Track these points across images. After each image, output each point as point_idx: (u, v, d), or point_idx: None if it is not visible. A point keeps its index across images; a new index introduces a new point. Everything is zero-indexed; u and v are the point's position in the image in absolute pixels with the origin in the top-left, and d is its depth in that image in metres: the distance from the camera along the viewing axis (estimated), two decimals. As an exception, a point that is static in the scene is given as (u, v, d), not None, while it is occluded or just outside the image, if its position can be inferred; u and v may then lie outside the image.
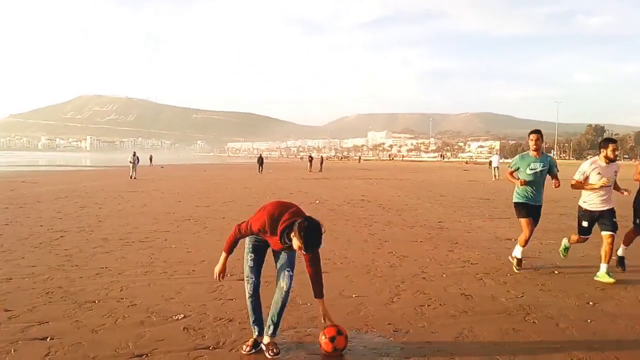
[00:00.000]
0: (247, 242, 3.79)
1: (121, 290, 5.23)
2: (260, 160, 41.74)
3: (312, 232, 3.29)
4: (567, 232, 9.34)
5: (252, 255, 3.75)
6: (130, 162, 30.47)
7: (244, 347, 3.66)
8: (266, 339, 3.66)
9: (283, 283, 3.63)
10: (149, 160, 55.73)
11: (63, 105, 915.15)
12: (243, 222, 3.65)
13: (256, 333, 3.72)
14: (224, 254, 3.75)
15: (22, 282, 5.52)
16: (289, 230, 3.37)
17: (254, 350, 3.63)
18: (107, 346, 3.73)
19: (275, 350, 3.56)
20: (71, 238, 8.38)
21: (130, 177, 28.78)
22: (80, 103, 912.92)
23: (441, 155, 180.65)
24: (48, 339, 3.86)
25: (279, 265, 3.70)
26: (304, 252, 3.38)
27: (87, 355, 3.56)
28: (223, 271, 3.78)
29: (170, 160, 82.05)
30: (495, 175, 31.16)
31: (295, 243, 3.33)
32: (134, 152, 32.07)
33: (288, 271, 3.63)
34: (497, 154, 47.82)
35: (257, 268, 3.78)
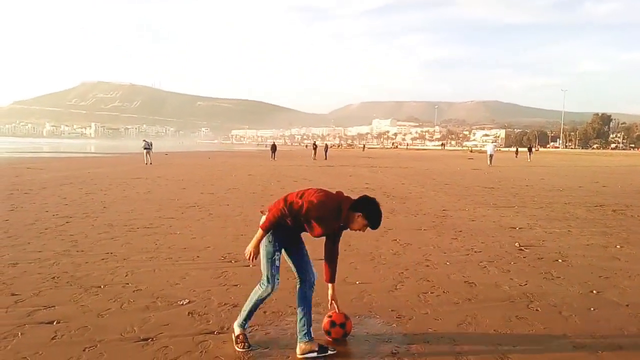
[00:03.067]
0: (273, 238, 3.41)
1: (126, 276, 5.27)
2: (274, 148, 43.76)
3: (379, 208, 3.33)
4: (571, 221, 9.37)
5: (279, 253, 3.47)
6: (145, 147, 30.92)
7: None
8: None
9: (313, 278, 3.54)
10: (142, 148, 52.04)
11: (67, 92, 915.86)
12: (293, 201, 3.24)
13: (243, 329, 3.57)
14: (260, 232, 3.32)
15: (28, 267, 5.57)
16: (355, 209, 3.28)
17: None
18: (113, 330, 3.77)
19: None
20: (76, 224, 8.42)
21: (146, 164, 29.12)
22: (84, 90, 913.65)
23: (442, 144, 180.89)
24: (54, 323, 3.90)
25: (303, 260, 3.56)
26: (370, 229, 3.35)
27: (93, 339, 3.60)
28: (257, 253, 3.38)
29: (174, 148, 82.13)
30: (490, 162, 33.36)
31: (359, 223, 3.29)
32: (144, 140, 32.69)
33: (312, 265, 3.57)
34: (492, 142, 49.79)
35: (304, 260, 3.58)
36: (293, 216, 3.27)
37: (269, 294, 3.47)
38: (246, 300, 3.61)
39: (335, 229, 3.43)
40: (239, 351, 3.45)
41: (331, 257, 3.60)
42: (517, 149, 57.55)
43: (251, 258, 3.36)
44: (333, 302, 3.68)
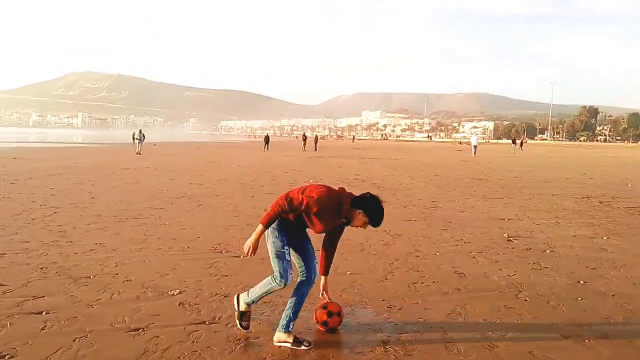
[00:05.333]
0: (279, 233, 3.41)
1: (116, 266, 5.24)
2: (267, 139, 45.14)
3: (381, 206, 3.36)
4: (559, 212, 9.48)
5: (287, 248, 3.43)
6: (137, 138, 31.52)
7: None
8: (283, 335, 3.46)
9: (314, 276, 3.53)
10: (132, 138, 49.73)
11: (54, 82, 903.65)
12: (293, 197, 3.26)
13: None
14: (260, 227, 3.27)
15: (16, 257, 5.51)
16: (357, 206, 3.30)
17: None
18: (103, 320, 3.75)
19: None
20: (65, 214, 8.35)
21: (137, 153, 29.62)
22: (72, 80, 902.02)
23: (428, 136, 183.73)
24: (44, 313, 3.87)
25: (307, 256, 3.54)
26: (371, 226, 3.36)
27: (83, 330, 3.58)
28: (256, 248, 3.32)
29: (163, 138, 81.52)
30: (474, 153, 35.90)
31: (359, 220, 3.31)
32: (140, 130, 32.95)
33: (315, 262, 3.57)
34: (475, 134, 53.09)
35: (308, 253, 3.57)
36: (293, 212, 3.28)
37: (280, 289, 3.44)
38: (254, 287, 3.59)
39: (332, 226, 3.43)
40: (239, 329, 3.55)
41: (329, 251, 3.63)
42: (514, 139, 58.75)
43: (249, 253, 3.31)
44: (324, 292, 3.70)
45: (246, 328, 3.57)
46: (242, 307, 3.60)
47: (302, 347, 3.36)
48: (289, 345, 3.38)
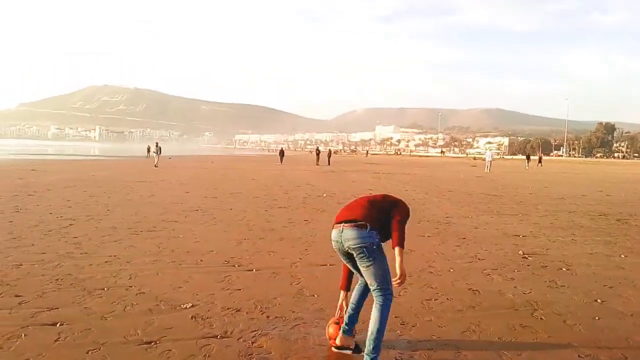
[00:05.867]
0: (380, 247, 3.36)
1: (130, 279, 5.27)
2: (282, 153, 46.98)
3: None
4: (575, 230, 9.34)
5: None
6: (154, 151, 33.03)
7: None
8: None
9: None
10: (146, 152, 47.77)
11: (72, 95, 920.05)
12: (402, 210, 3.39)
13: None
14: (402, 250, 3.26)
15: (32, 268, 5.57)
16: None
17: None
18: (116, 333, 3.77)
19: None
20: (80, 226, 8.44)
21: (155, 166, 30.48)
22: (90, 93, 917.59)
23: (442, 151, 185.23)
24: (58, 325, 3.90)
25: None
26: None
27: (96, 342, 3.60)
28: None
29: (178, 152, 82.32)
30: (488, 168, 36.44)
31: None
32: (157, 143, 34.46)
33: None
34: (490, 150, 54.60)
35: None
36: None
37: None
38: (347, 321, 3.55)
39: None
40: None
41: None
42: (528, 155, 58.41)
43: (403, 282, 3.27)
44: (343, 308, 3.66)
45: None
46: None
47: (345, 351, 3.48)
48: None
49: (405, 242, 3.24)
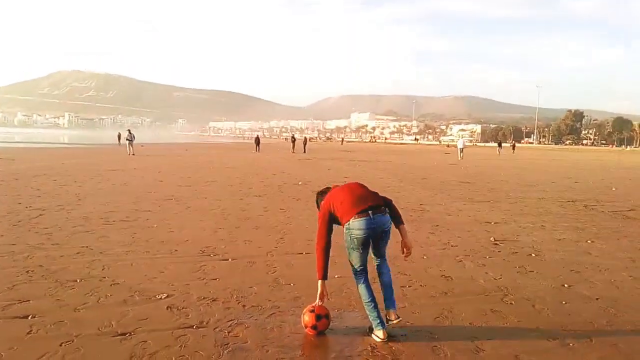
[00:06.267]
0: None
1: (103, 269, 5.21)
2: (257, 141, 46.03)
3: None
4: (545, 216, 9.58)
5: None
6: (128, 139, 32.02)
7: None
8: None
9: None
10: (117, 139, 48.61)
11: (40, 81, 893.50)
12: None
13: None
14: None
15: (1, 260, 5.45)
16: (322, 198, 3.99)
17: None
18: (90, 325, 3.73)
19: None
20: (51, 216, 8.27)
21: (131, 154, 29.85)
22: (58, 78, 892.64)
23: (415, 139, 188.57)
24: (29, 317, 3.84)
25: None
26: None
27: (69, 334, 3.56)
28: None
29: (151, 139, 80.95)
30: (460, 156, 37.07)
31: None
32: (129, 130, 33.83)
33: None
34: (462, 137, 55.99)
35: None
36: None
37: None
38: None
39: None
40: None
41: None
42: (500, 143, 59.49)
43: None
44: (324, 297, 3.69)
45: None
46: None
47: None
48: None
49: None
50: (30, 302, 4.18)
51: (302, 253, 6.09)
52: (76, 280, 4.80)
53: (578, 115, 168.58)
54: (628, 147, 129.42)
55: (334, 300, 4.41)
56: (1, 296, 4.30)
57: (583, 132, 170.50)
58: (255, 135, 52.11)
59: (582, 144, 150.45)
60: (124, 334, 3.59)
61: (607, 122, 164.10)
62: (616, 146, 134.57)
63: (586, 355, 3.44)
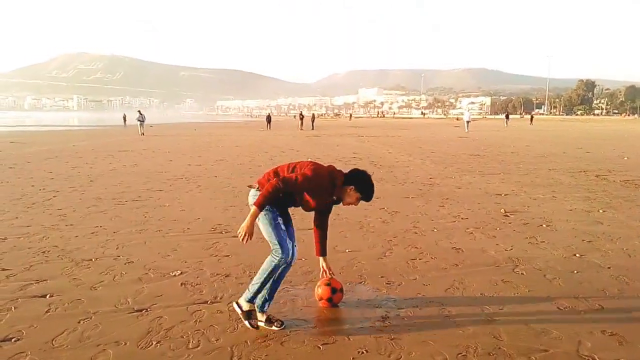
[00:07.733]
0: (269, 206, 3.26)
1: (117, 249, 5.29)
2: (269, 119, 47.22)
3: (371, 180, 3.35)
4: (556, 187, 9.53)
5: (281, 219, 3.33)
6: (139, 120, 32.69)
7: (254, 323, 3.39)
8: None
9: (293, 258, 3.30)
10: (122, 120, 50.42)
11: (47, 64, 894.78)
12: (286, 176, 3.18)
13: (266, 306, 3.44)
14: (255, 209, 3.09)
15: (17, 241, 5.55)
16: (348, 183, 3.28)
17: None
18: (107, 302, 3.81)
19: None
20: (64, 198, 8.37)
21: (142, 134, 30.76)
22: (65, 61, 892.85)
23: (422, 113, 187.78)
24: (47, 296, 3.92)
25: (289, 234, 3.38)
26: (364, 201, 3.36)
27: (87, 311, 3.64)
28: (252, 232, 3.09)
29: (159, 120, 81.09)
30: (467, 129, 37.24)
31: (352, 196, 3.29)
32: (139, 111, 34.15)
33: (295, 244, 3.39)
34: (468, 110, 55.72)
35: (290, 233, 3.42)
36: (287, 190, 3.15)
37: (286, 265, 3.27)
38: (251, 281, 3.45)
39: (327, 203, 3.43)
40: (248, 327, 3.37)
41: (323, 232, 3.63)
42: (507, 114, 58.93)
43: (245, 238, 3.07)
44: (329, 270, 3.70)
45: (256, 327, 3.36)
46: (246, 307, 3.40)
47: (273, 328, 3.34)
48: (261, 324, 3.37)
49: (260, 202, 3.11)
50: (48, 281, 4.27)
51: (312, 228, 6.10)
52: (91, 260, 4.88)
53: (590, 85, 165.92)
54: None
55: (345, 273, 4.46)
56: (19, 276, 4.39)
57: (595, 102, 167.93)
58: (267, 114, 53.72)
59: (594, 114, 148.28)
60: (140, 310, 3.66)
61: (619, 92, 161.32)
62: (629, 115, 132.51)
63: (598, 323, 3.45)
